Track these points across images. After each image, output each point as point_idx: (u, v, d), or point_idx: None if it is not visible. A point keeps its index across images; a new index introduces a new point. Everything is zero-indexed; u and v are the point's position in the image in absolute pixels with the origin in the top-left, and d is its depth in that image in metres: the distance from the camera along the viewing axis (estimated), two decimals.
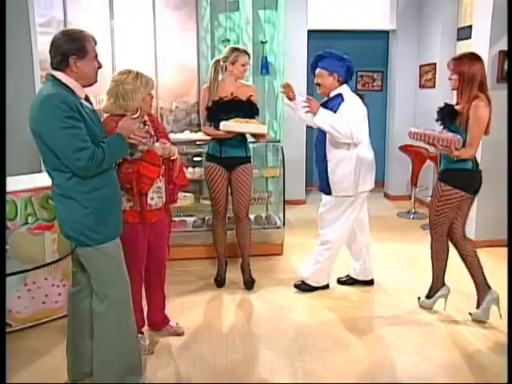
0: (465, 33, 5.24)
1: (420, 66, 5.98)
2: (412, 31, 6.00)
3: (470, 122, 2.78)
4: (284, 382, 2.43)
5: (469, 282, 3.06)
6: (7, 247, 2.16)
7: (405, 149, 5.56)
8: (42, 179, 3.12)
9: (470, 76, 2.79)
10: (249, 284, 3.54)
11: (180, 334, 2.84)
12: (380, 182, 6.44)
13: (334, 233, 3.34)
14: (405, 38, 6.02)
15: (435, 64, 5.62)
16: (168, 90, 5.48)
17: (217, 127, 3.26)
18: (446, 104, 3.06)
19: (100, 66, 2.09)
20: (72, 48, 1.96)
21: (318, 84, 3.25)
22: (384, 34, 6.33)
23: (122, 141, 2.08)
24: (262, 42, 5.62)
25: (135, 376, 2.24)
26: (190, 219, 4.37)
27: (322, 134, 3.26)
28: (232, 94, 3.29)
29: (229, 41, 5.52)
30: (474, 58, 2.84)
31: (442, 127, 3.01)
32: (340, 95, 3.21)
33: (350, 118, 3.10)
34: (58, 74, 1.99)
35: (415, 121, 6.09)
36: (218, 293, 3.48)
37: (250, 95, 3.33)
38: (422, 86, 5.99)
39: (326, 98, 3.30)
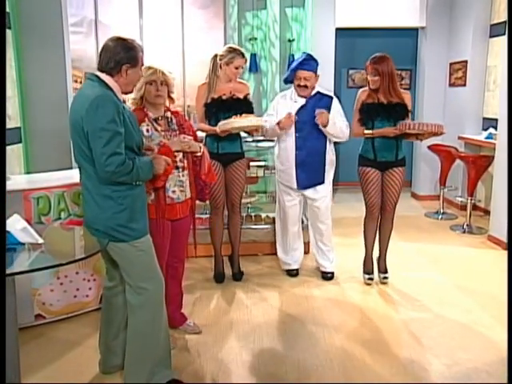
0: (498, 29, 5.11)
1: (450, 64, 5.86)
2: (442, 28, 5.88)
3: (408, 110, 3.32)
4: (306, 382, 2.43)
5: None
6: (42, 241, 2.20)
7: (434, 148, 5.46)
8: (73, 175, 3.20)
9: (393, 74, 3.23)
10: (237, 276, 3.64)
11: (198, 333, 2.84)
12: (407, 182, 6.35)
13: (330, 218, 3.63)
14: (434, 35, 5.90)
15: (466, 61, 5.50)
16: (195, 89, 5.51)
17: (213, 125, 3.31)
18: (380, 103, 3.29)
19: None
20: (127, 57, 2.04)
21: (306, 86, 3.38)
22: (413, 32, 6.22)
23: (150, 167, 2.13)
24: (290, 40, 5.60)
25: (166, 369, 2.27)
26: None
27: (319, 133, 3.40)
28: (231, 92, 3.33)
29: (256, 39, 5.54)
30: (388, 57, 3.24)
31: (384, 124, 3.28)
32: (320, 93, 3.47)
33: (343, 118, 3.46)
34: (104, 76, 2.05)
35: (444, 119, 5.98)
36: (229, 289, 3.49)
37: (247, 94, 3.40)
38: (451, 84, 5.87)
39: (303, 99, 3.44)
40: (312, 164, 3.47)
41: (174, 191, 2.52)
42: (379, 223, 3.51)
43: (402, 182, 3.40)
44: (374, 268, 3.63)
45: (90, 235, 2.15)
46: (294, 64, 3.43)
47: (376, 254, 3.62)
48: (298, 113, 3.42)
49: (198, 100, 3.42)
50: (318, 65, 3.42)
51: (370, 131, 3.31)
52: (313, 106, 3.41)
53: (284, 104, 3.50)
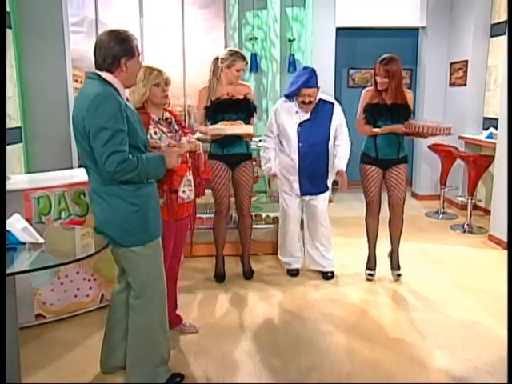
0: (499, 29, 5.11)
1: (451, 64, 5.86)
2: (443, 28, 5.88)
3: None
4: (307, 382, 2.42)
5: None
6: (42, 241, 2.20)
7: (434, 148, 5.46)
8: (74, 175, 3.20)
9: (401, 75, 3.24)
10: (248, 274, 3.66)
11: (194, 332, 2.83)
12: (408, 182, 6.34)
13: (327, 219, 3.66)
14: (435, 35, 5.90)
15: (467, 61, 5.50)
16: (196, 88, 5.50)
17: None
18: (383, 104, 3.30)
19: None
20: (122, 50, 2.00)
21: (310, 102, 3.35)
22: (413, 31, 6.21)
23: (161, 164, 2.07)
24: (290, 40, 5.60)
25: (165, 367, 2.28)
26: None
27: (323, 135, 3.41)
28: (228, 93, 3.33)
29: (256, 39, 5.54)
30: (396, 58, 3.23)
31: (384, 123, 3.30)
32: (322, 100, 3.43)
33: (345, 127, 3.46)
34: (104, 74, 2.01)
35: (445, 118, 5.97)
36: (229, 289, 3.48)
37: (246, 93, 3.39)
38: (452, 84, 5.86)
39: (308, 111, 3.41)
40: (315, 173, 3.47)
41: (184, 191, 2.52)
42: (388, 221, 3.55)
43: (405, 179, 3.45)
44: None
45: (97, 236, 2.12)
46: (299, 82, 3.31)
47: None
48: (301, 124, 3.41)
49: (199, 103, 3.44)
50: (316, 77, 3.35)
51: (377, 129, 3.31)
52: (315, 115, 3.41)
53: (288, 118, 3.43)
